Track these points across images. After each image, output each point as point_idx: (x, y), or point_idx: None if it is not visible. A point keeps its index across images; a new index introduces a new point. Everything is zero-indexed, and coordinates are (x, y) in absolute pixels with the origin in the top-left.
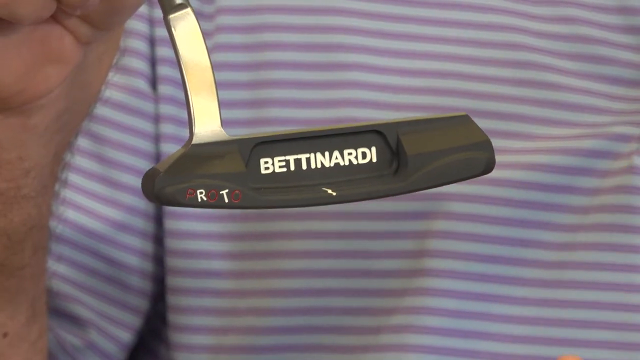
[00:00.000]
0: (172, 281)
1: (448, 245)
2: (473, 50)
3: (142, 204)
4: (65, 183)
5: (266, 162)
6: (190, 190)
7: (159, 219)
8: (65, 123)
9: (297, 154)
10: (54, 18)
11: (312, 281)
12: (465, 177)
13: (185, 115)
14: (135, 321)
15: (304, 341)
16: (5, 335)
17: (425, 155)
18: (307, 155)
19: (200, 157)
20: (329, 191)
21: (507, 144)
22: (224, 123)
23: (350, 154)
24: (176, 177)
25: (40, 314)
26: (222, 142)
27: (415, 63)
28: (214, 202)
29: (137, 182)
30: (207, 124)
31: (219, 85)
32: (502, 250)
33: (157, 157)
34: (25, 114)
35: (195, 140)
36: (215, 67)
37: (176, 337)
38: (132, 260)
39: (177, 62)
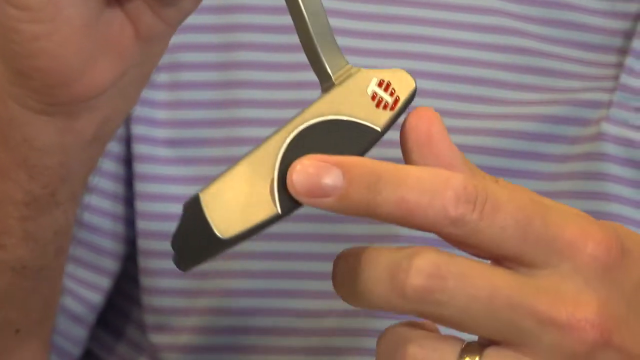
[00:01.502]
0: (143, 244)
1: None
2: (445, 15)
3: (111, 166)
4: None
5: None
6: None
7: (129, 182)
8: (104, 133)
9: None
10: (120, 3)
11: (280, 244)
12: None
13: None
14: (106, 283)
15: (271, 305)
16: (17, 331)
17: None
18: None
19: None
20: None
21: (479, 109)
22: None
23: None
24: None
25: (52, 314)
26: None
27: (384, 27)
28: None
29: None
30: None
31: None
32: None
33: (127, 120)
34: (72, 116)
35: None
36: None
37: (148, 300)
38: (104, 223)
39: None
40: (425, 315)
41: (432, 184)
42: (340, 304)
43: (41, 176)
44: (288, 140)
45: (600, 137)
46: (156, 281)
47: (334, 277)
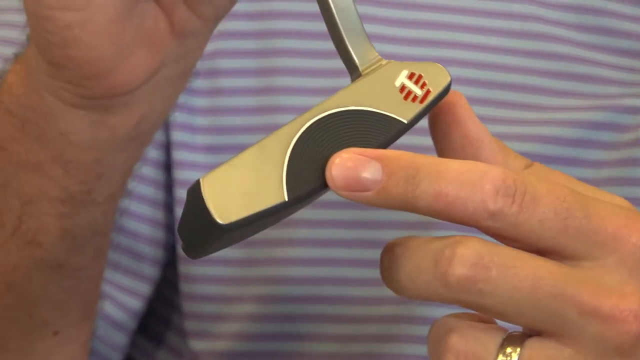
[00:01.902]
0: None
1: None
2: (482, 21)
3: (150, 172)
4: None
5: None
6: None
7: (168, 188)
8: (141, 132)
9: None
10: None
11: (321, 250)
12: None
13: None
14: (146, 289)
15: (311, 311)
16: (55, 333)
17: None
18: None
19: None
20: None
21: (517, 115)
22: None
23: None
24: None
25: (91, 317)
26: None
27: (421, 33)
28: None
29: (146, 150)
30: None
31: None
32: None
33: (167, 127)
34: (108, 111)
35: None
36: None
37: (188, 306)
38: (144, 228)
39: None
40: (468, 304)
41: (470, 177)
42: (381, 310)
43: (77, 172)
44: (303, 129)
45: (638, 143)
46: (196, 287)
47: (381, 267)
